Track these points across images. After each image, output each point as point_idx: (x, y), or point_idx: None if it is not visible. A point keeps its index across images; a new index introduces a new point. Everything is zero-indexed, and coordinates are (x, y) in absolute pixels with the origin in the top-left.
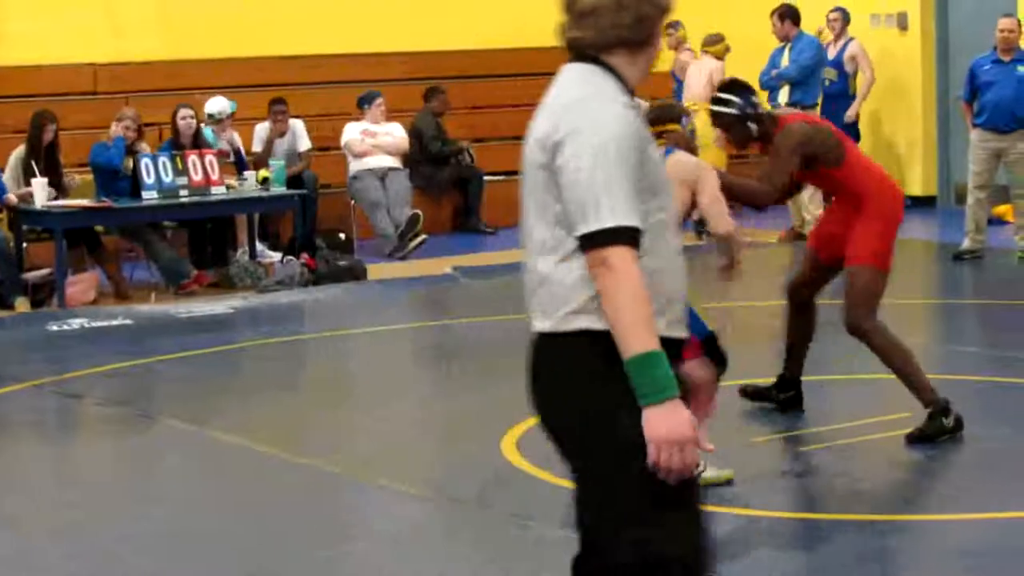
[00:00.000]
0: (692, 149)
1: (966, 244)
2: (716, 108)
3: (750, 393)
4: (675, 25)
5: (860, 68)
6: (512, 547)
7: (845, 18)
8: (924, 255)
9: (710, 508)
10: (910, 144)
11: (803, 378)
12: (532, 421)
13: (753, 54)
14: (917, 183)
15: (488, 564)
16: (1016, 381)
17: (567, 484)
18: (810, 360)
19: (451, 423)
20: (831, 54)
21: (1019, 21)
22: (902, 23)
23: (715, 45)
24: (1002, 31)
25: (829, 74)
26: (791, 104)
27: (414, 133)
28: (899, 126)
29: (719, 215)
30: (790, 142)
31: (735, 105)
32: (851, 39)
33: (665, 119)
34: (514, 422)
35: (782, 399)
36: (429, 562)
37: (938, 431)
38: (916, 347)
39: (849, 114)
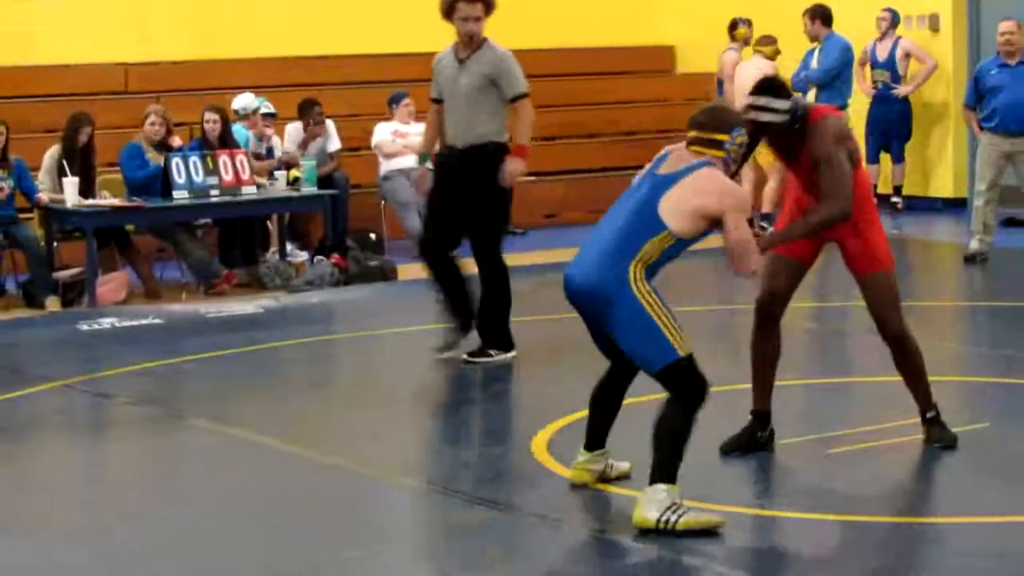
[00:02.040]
0: (738, 164)
1: (974, 246)
2: (760, 117)
3: (736, 448)
4: (743, 22)
5: (918, 59)
6: (543, 548)
7: (894, 18)
8: (952, 256)
9: (733, 510)
10: (940, 146)
11: (824, 380)
12: (562, 422)
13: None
14: (948, 185)
15: (519, 565)
16: None
17: (597, 485)
18: (833, 362)
19: (480, 424)
20: (882, 55)
21: (1019, 24)
22: (934, 24)
23: (768, 46)
24: (1003, 34)
25: (881, 76)
26: None
27: None
28: (931, 127)
29: (746, 257)
30: (832, 142)
31: (780, 112)
32: (899, 38)
33: (712, 127)
34: (544, 423)
35: (765, 438)
36: (459, 564)
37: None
38: (944, 350)
39: (901, 91)
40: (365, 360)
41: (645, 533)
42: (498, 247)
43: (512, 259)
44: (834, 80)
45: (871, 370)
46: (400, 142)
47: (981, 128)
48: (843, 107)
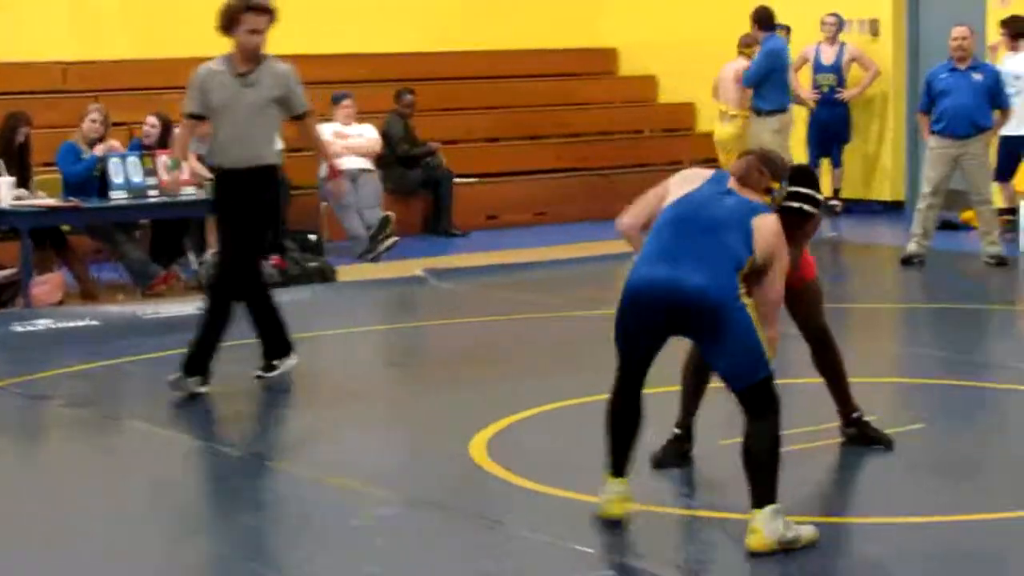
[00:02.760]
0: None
1: (912, 248)
2: (803, 206)
3: (665, 460)
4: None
5: (862, 65)
6: (482, 549)
7: (840, 23)
8: (891, 259)
9: (673, 511)
10: (879, 149)
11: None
12: (502, 423)
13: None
14: (887, 188)
15: (458, 566)
16: (970, 384)
17: (536, 487)
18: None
19: (420, 426)
20: (828, 59)
21: (972, 29)
22: (874, 29)
23: (750, 47)
24: (955, 39)
25: (826, 80)
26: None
27: (382, 135)
28: (870, 131)
29: (774, 317)
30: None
31: (818, 203)
32: (843, 43)
33: (771, 172)
34: (483, 425)
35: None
36: (399, 564)
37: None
38: (881, 351)
39: (846, 95)
40: (304, 362)
41: (759, 554)
42: (258, 264)
43: (454, 261)
44: (763, 83)
45: (808, 372)
46: (341, 143)
47: (931, 132)
48: (776, 111)
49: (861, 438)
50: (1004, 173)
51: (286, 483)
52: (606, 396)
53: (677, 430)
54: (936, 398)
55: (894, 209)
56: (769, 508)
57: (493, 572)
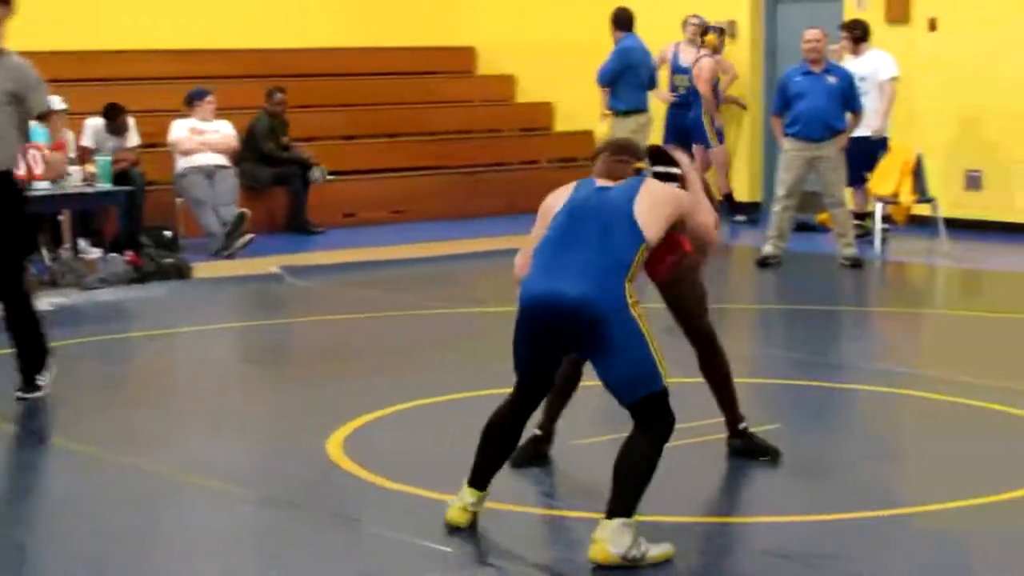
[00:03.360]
0: None
1: (768, 249)
2: (669, 170)
3: (523, 460)
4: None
5: (722, 68)
6: (338, 548)
7: (705, 26)
8: (746, 261)
9: (521, 509)
10: (736, 151)
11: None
12: (358, 422)
13: None
14: (743, 189)
15: (314, 564)
16: (824, 384)
17: (393, 485)
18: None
19: (276, 424)
20: (686, 61)
21: (825, 32)
22: (732, 31)
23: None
24: (808, 42)
25: (682, 82)
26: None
27: (248, 131)
28: (727, 133)
29: (710, 236)
30: None
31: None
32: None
33: (632, 154)
34: (339, 423)
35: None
36: (254, 563)
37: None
38: (729, 351)
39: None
40: (159, 359)
41: (602, 567)
42: (22, 276)
43: (311, 258)
44: (616, 83)
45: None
46: (197, 139)
47: (785, 135)
48: (632, 111)
49: (747, 451)
50: (856, 176)
51: (140, 482)
52: (462, 395)
53: (538, 431)
54: (790, 399)
55: (750, 210)
56: (618, 521)
57: (349, 571)
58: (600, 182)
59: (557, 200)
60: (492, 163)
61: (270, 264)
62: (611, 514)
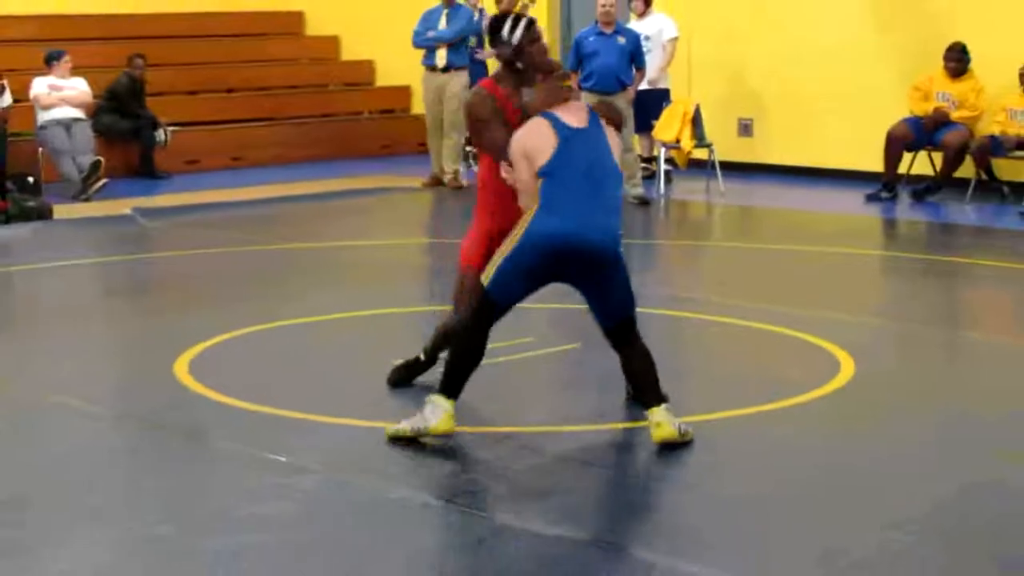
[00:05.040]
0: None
1: None
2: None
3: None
4: None
5: None
6: (186, 463)
7: None
8: None
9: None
10: None
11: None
12: (201, 346)
13: None
14: None
15: (164, 478)
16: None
17: (231, 401)
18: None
19: (128, 349)
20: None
21: None
22: None
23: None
24: (603, 6)
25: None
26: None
27: (110, 91)
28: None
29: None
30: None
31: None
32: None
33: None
34: (185, 347)
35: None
36: (109, 478)
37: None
38: None
39: (485, 56)
40: (22, 292)
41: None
42: None
43: (159, 201)
44: (460, 44)
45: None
46: (56, 95)
47: (580, 88)
48: (463, 67)
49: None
50: (643, 124)
51: (4, 402)
52: (297, 321)
53: (422, 356)
54: (588, 322)
55: None
56: (664, 406)
57: (197, 484)
58: (566, 118)
59: (540, 142)
60: (320, 114)
61: (123, 206)
62: (658, 402)
